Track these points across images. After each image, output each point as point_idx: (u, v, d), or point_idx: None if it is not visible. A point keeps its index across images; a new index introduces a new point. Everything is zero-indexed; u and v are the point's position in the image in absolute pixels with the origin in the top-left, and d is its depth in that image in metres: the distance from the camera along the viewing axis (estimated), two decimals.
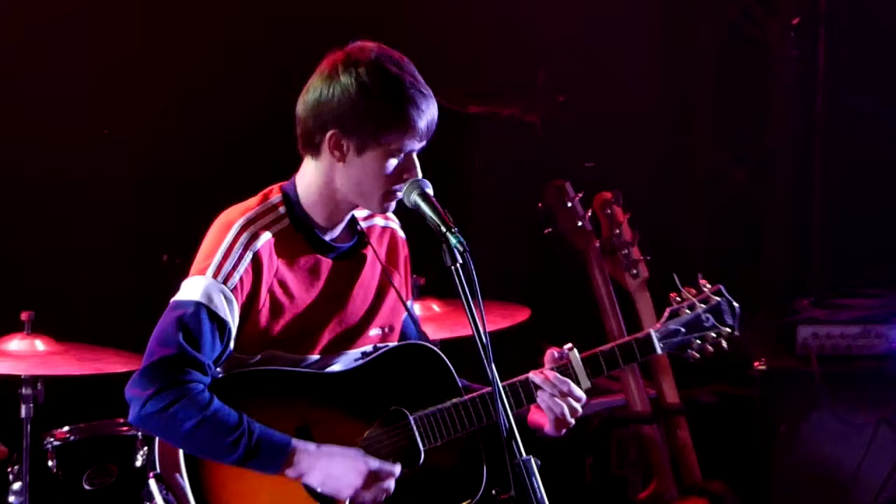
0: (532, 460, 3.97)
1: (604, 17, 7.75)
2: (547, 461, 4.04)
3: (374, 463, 4.27)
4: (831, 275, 7.82)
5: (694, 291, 4.56)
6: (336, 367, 4.42)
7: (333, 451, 4.25)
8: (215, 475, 4.25)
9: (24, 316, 5.57)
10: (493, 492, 5.96)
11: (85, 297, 6.77)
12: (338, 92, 4.23)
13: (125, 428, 5.48)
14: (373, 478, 4.26)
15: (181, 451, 4.23)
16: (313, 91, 4.29)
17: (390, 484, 4.27)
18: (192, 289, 4.23)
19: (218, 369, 4.28)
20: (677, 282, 4.58)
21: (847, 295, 7.35)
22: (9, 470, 5.43)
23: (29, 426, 5.40)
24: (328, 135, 4.26)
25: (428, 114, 4.25)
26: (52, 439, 5.45)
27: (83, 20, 6.93)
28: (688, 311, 4.53)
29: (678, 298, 4.56)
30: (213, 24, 7.15)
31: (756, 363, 6.99)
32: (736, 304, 4.54)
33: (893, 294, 7.29)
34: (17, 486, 5.39)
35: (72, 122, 6.91)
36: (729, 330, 4.53)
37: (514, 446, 3.98)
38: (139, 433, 5.40)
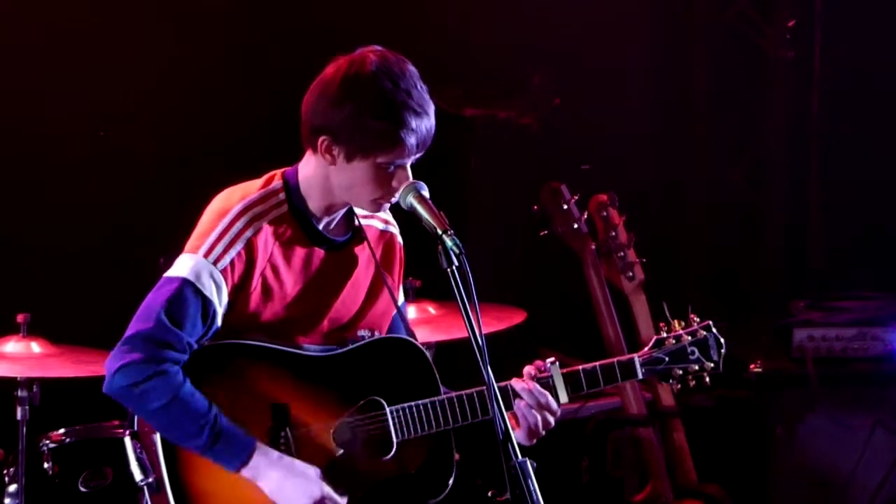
0: (528, 462, 3.98)
1: (601, 20, 7.75)
2: (543, 463, 4.04)
3: (327, 490, 4.30)
4: (827, 277, 7.82)
5: (683, 324, 4.61)
6: (319, 352, 4.45)
7: (293, 467, 4.29)
8: None
9: (20, 318, 5.57)
10: (490, 493, 5.95)
11: (81, 299, 6.76)
12: (333, 104, 4.28)
13: (121, 430, 5.46)
14: None
15: None
16: (313, 95, 4.33)
17: None
18: (181, 266, 4.29)
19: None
20: (667, 312, 4.64)
21: (843, 297, 7.35)
22: (4, 472, 5.43)
23: (25, 428, 5.40)
24: (320, 140, 4.31)
25: (421, 131, 4.28)
26: (47, 441, 5.44)
27: (82, 20, 6.93)
28: (674, 341, 4.58)
29: (666, 329, 4.61)
30: (213, 25, 7.14)
31: (752, 365, 6.99)
32: (723, 341, 4.60)
33: (889, 296, 7.30)
34: (12, 488, 5.38)
35: (70, 124, 6.90)
36: (713, 365, 4.60)
37: (510, 448, 3.98)
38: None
